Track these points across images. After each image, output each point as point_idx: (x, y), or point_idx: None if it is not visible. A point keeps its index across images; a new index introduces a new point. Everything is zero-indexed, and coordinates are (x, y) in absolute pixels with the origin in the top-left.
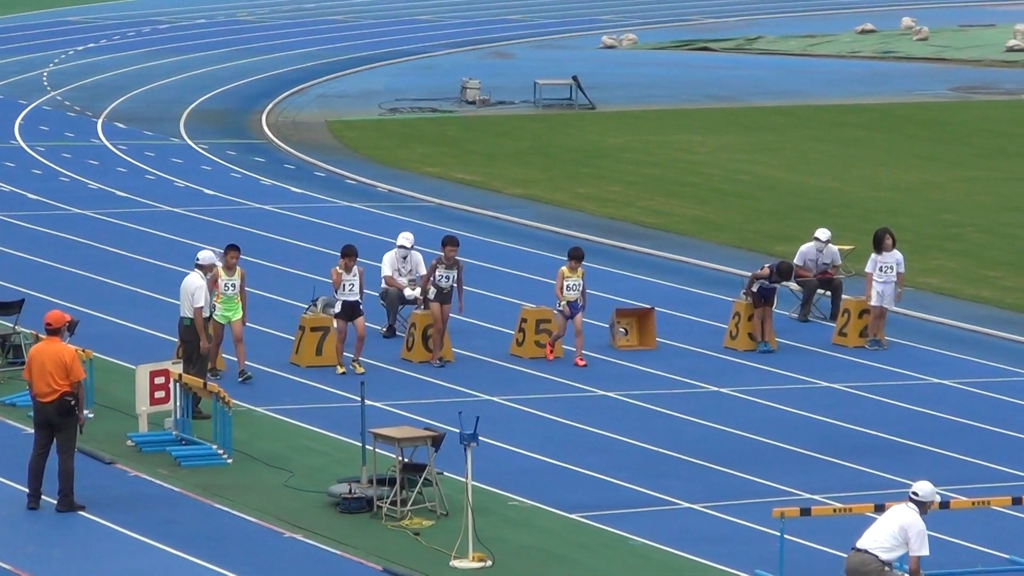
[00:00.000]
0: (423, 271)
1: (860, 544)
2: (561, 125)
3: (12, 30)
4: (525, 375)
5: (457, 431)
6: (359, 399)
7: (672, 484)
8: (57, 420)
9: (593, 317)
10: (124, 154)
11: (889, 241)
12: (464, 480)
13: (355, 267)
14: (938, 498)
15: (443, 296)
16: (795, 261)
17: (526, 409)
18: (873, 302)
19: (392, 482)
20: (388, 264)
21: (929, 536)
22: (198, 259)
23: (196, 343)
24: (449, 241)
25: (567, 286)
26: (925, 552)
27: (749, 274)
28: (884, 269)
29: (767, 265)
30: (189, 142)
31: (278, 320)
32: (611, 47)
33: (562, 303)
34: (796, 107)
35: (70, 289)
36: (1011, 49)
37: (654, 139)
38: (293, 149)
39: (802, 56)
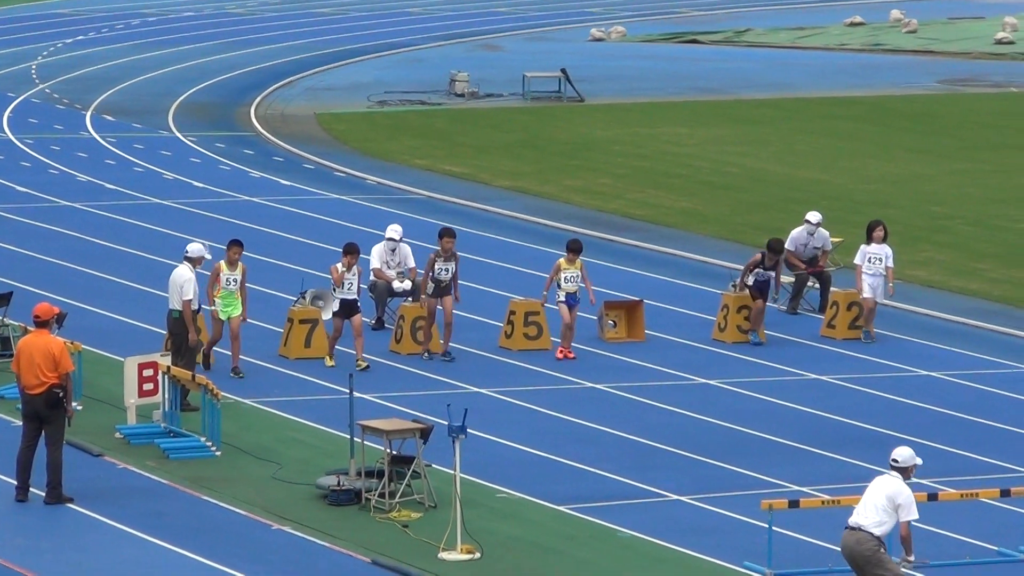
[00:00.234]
0: (412, 263)
1: (853, 522)
2: (550, 118)
3: (1, 23)
4: (513, 367)
5: (445, 423)
6: (347, 391)
7: (660, 476)
8: (45, 412)
9: (581, 309)
10: (113, 147)
11: (880, 233)
12: (452, 472)
13: (356, 265)
14: (919, 461)
15: (441, 290)
16: (787, 246)
17: (514, 401)
18: (866, 294)
19: (380, 474)
20: (376, 256)
21: (918, 528)
22: (187, 252)
23: (185, 335)
24: (446, 233)
25: (565, 278)
26: (915, 516)
27: (735, 265)
28: (872, 261)
29: (757, 253)
30: (178, 135)
31: (267, 312)
32: (600, 40)
33: (559, 295)
34: (785, 100)
35: (58, 281)
36: (1000, 42)
37: (642, 132)
38: (282, 142)
39: (791, 49)
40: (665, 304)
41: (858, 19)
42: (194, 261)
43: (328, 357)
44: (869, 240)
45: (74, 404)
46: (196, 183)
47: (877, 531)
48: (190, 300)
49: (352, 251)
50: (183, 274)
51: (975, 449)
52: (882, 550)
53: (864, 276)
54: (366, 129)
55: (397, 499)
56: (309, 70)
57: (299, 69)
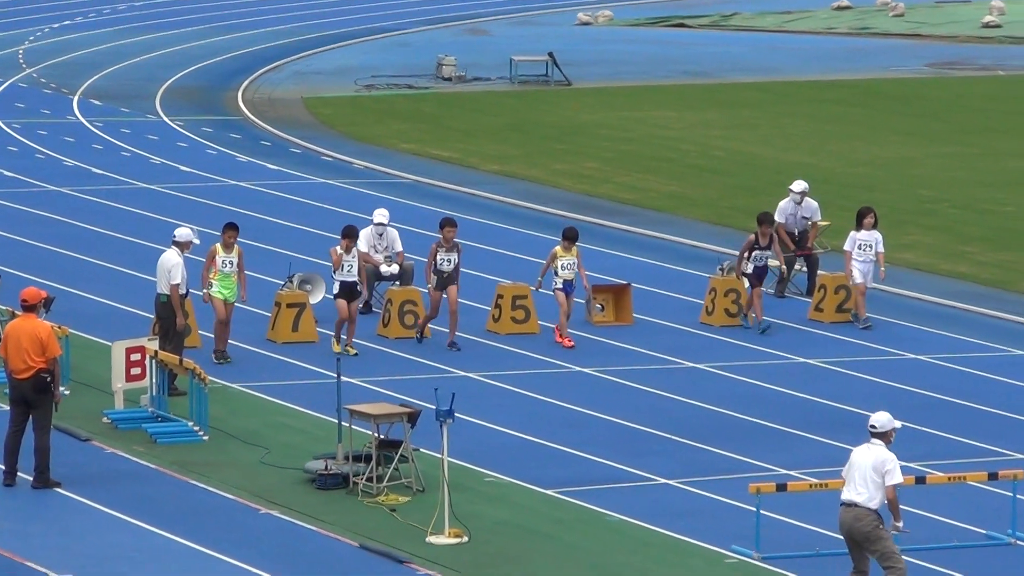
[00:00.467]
0: (399, 247)
1: (847, 498)
2: (537, 102)
3: None
4: (501, 351)
5: (433, 407)
6: (335, 375)
7: (648, 460)
8: (33, 397)
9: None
10: (100, 131)
11: (870, 220)
12: (440, 456)
13: (355, 248)
14: (898, 424)
15: (444, 281)
16: (776, 219)
17: (502, 385)
18: (857, 280)
19: (368, 458)
20: (364, 241)
21: (906, 511)
22: (175, 236)
23: (172, 320)
24: (448, 223)
25: (561, 265)
26: (899, 479)
27: (723, 249)
28: (863, 247)
29: (751, 235)
30: (165, 119)
31: (254, 297)
32: (587, 23)
33: (557, 282)
34: (772, 83)
35: (46, 266)
36: (987, 25)
37: (630, 115)
38: (269, 126)
39: (778, 32)
40: (653, 288)
41: (845, 3)
42: (182, 246)
43: (335, 342)
44: (859, 227)
45: (62, 389)
46: (183, 167)
47: (873, 505)
48: (178, 284)
49: (351, 234)
50: (171, 258)
51: (963, 432)
52: (881, 526)
53: (854, 263)
54: (353, 113)
55: (385, 483)
56: (296, 54)
57: (286, 53)
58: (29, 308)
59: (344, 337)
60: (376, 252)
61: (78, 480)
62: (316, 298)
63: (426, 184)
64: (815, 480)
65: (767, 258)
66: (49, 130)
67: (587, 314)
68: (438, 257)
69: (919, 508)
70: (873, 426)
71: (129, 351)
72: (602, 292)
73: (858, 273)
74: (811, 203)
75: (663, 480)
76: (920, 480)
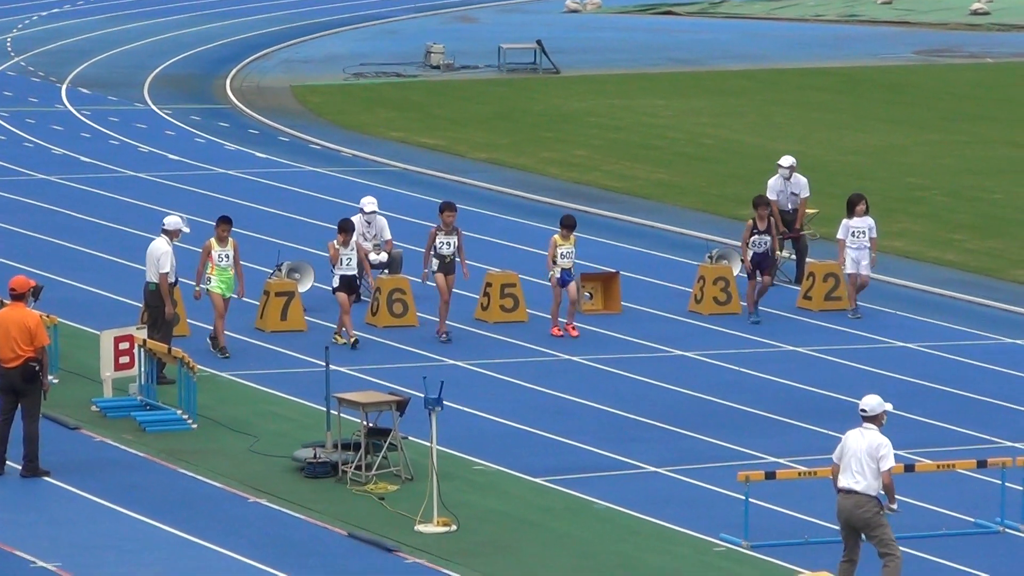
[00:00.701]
0: (388, 235)
1: (845, 485)
2: (525, 90)
3: None
4: (489, 339)
5: (422, 396)
6: (324, 364)
7: (637, 448)
8: (22, 386)
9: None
10: (88, 119)
11: (862, 207)
12: (429, 444)
13: (352, 241)
14: (889, 406)
15: (446, 266)
16: (768, 196)
17: (490, 374)
18: (848, 270)
19: (357, 447)
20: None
21: (896, 498)
22: (164, 224)
23: (161, 308)
24: (447, 207)
25: (560, 254)
26: (891, 463)
27: (712, 237)
28: (856, 235)
29: (749, 220)
30: (153, 107)
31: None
32: (575, 11)
33: (555, 272)
34: (760, 71)
35: (34, 254)
36: (975, 12)
37: (618, 103)
38: (257, 114)
39: (766, 20)
40: (641, 276)
41: None
42: (171, 234)
43: (337, 336)
44: (851, 214)
45: (50, 377)
46: (171, 156)
47: (872, 492)
48: (167, 273)
49: (347, 228)
50: (160, 247)
51: (952, 420)
52: (881, 512)
53: (848, 250)
54: (342, 101)
55: (374, 471)
56: (285, 42)
57: (275, 41)
58: (17, 297)
59: (345, 329)
60: (365, 240)
61: (67, 468)
62: (305, 287)
63: (414, 172)
64: (804, 468)
65: (767, 243)
66: (37, 118)
67: (576, 302)
68: (437, 240)
69: (908, 496)
70: (864, 410)
71: (118, 340)
72: (590, 280)
73: (850, 262)
74: (800, 179)
75: (651, 468)
76: (909, 468)
